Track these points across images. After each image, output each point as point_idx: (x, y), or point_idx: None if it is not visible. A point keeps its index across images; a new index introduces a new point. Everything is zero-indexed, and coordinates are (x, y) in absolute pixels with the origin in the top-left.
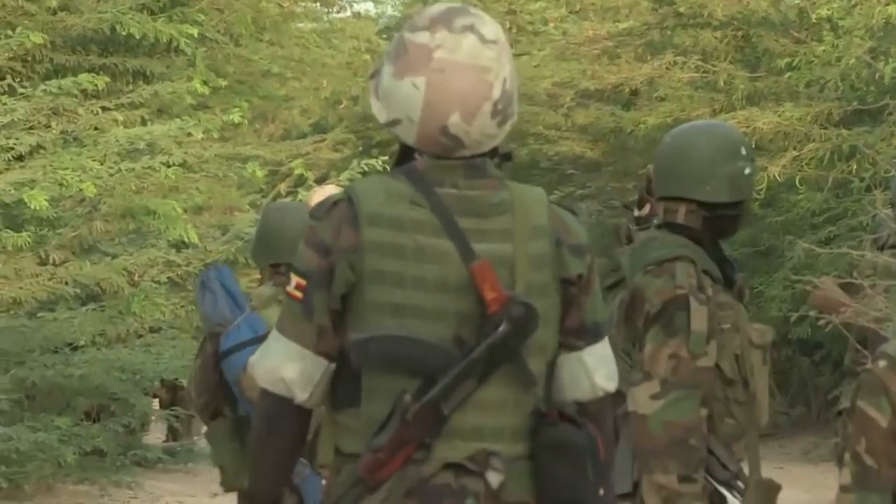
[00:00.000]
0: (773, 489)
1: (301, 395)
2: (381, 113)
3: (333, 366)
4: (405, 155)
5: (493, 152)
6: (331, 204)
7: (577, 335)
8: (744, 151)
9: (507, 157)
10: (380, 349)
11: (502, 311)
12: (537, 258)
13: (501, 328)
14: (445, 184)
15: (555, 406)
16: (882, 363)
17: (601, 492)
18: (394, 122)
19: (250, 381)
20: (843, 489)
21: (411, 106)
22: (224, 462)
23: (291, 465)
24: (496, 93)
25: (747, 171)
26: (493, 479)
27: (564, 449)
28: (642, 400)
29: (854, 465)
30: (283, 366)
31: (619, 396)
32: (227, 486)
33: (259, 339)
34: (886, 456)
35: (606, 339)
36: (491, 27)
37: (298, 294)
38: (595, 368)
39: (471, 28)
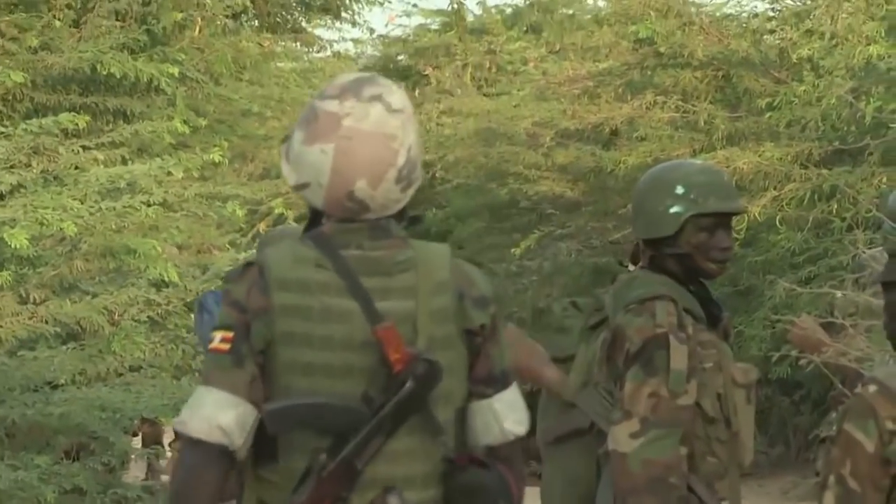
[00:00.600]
0: None
1: (238, 441)
2: (290, 176)
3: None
4: (315, 218)
5: (402, 215)
6: (243, 267)
7: (485, 384)
8: (680, 190)
9: (416, 219)
10: (295, 417)
11: (407, 370)
12: (440, 312)
13: (407, 386)
14: (350, 246)
15: (467, 451)
16: (872, 388)
17: None
18: (303, 186)
19: None
20: None
21: (320, 171)
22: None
23: None
24: (401, 160)
25: (673, 209)
26: None
27: (475, 491)
28: (622, 438)
29: (837, 487)
30: (219, 414)
31: (600, 435)
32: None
33: None
34: (871, 480)
35: (515, 385)
36: (398, 96)
37: (226, 346)
38: (504, 414)
39: (378, 97)
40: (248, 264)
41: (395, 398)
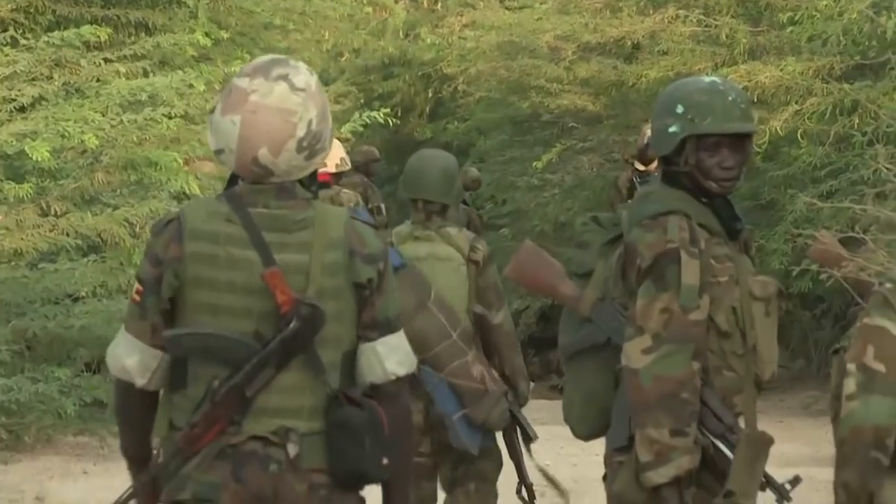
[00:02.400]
0: (764, 442)
1: (140, 381)
2: (211, 142)
3: (167, 356)
4: (232, 179)
5: (313, 179)
6: (165, 222)
7: (370, 328)
8: (680, 109)
9: (323, 185)
10: (189, 343)
11: (292, 311)
12: (331, 266)
13: (292, 325)
14: (258, 204)
15: (355, 389)
16: (888, 285)
17: (384, 461)
18: (219, 152)
19: None
20: (848, 398)
21: (230, 138)
22: None
23: (147, 429)
24: (300, 132)
25: (672, 128)
26: (292, 450)
27: (345, 426)
28: (634, 355)
29: (859, 374)
30: (125, 357)
31: (616, 350)
32: None
33: (395, 269)
34: None
35: (401, 331)
36: (303, 77)
37: (137, 298)
38: (386, 356)
39: (284, 77)
40: (169, 220)
41: (280, 335)
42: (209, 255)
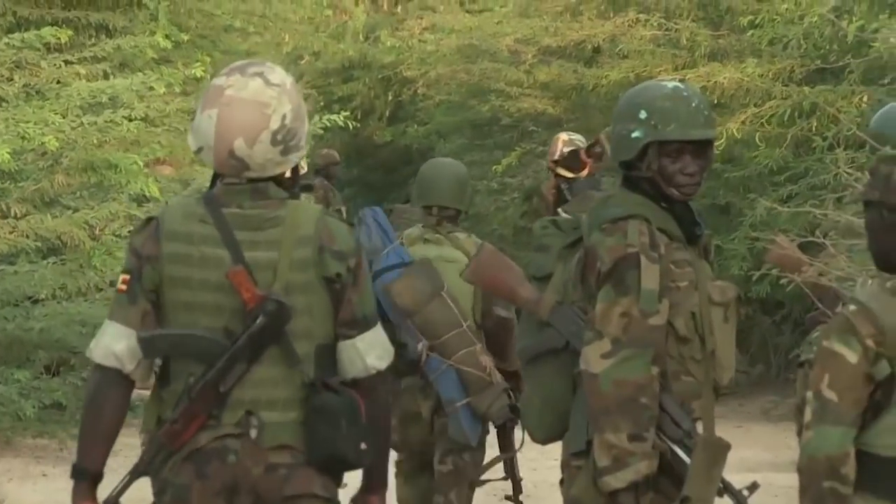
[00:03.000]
0: (721, 447)
1: (129, 367)
2: (191, 142)
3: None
4: (214, 180)
5: (294, 181)
6: (145, 221)
7: (349, 326)
8: (643, 115)
9: (307, 187)
10: (160, 344)
11: (257, 307)
12: (300, 262)
13: (259, 320)
14: (232, 205)
15: (333, 378)
16: (852, 307)
17: (362, 446)
18: (199, 150)
19: (398, 287)
20: (805, 427)
21: (207, 134)
22: None
23: (113, 431)
24: (274, 125)
25: (634, 134)
26: (253, 434)
27: (322, 411)
28: (593, 359)
29: (815, 401)
30: (114, 343)
31: (575, 354)
32: None
33: (404, 265)
34: (850, 391)
35: (378, 326)
36: (278, 74)
37: (124, 287)
38: (366, 352)
39: (259, 74)
40: (149, 219)
41: (248, 330)
42: (184, 255)
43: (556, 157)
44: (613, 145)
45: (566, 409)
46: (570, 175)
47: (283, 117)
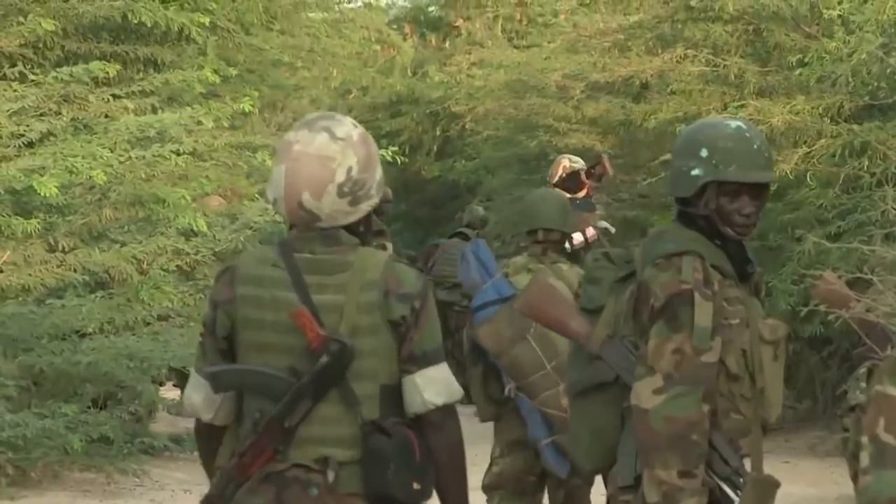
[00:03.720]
0: (771, 485)
1: (206, 415)
2: (268, 195)
3: (231, 392)
4: (290, 227)
5: (368, 227)
6: (224, 269)
7: (409, 362)
8: (704, 153)
9: (380, 233)
10: (226, 379)
11: (322, 347)
12: (366, 305)
13: (321, 360)
14: (304, 250)
15: (396, 419)
16: None
17: (415, 486)
18: (274, 202)
19: (483, 332)
20: (863, 472)
21: (279, 186)
22: (477, 398)
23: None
24: (340, 178)
25: (694, 171)
26: (330, 476)
27: (373, 454)
28: (644, 394)
29: (872, 446)
30: (192, 394)
31: (625, 388)
32: (482, 418)
33: (502, 300)
34: None
35: (443, 364)
36: (344, 128)
37: (200, 338)
38: (424, 387)
39: (326, 128)
40: (227, 266)
41: (313, 369)
42: (256, 297)
43: (555, 179)
44: (672, 181)
45: (614, 443)
46: (568, 196)
47: (349, 170)
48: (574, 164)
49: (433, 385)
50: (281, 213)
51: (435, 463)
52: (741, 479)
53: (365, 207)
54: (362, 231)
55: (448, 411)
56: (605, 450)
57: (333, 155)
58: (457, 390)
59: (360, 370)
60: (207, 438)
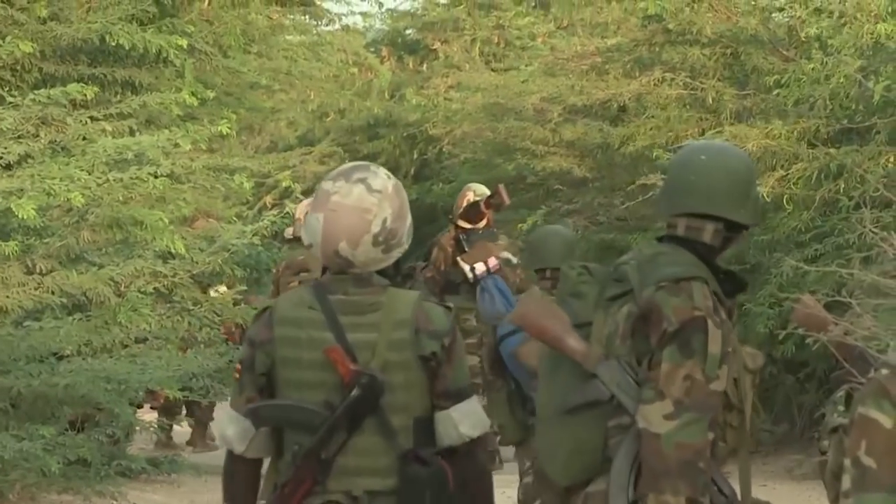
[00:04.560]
0: None
1: (239, 448)
2: (304, 237)
3: (265, 427)
4: (325, 269)
5: (397, 269)
6: (261, 310)
7: (444, 398)
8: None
9: (408, 276)
10: (265, 413)
11: (353, 381)
12: (397, 342)
13: (353, 393)
14: (338, 292)
15: (429, 449)
16: (884, 371)
17: None
18: (310, 245)
19: (524, 351)
20: (844, 495)
21: (316, 233)
22: (502, 421)
23: (245, 495)
24: (375, 228)
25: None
26: None
27: (410, 482)
28: (655, 419)
29: (853, 469)
30: (227, 427)
31: (618, 408)
32: (504, 441)
33: (512, 333)
34: (888, 456)
35: (473, 398)
36: (380, 180)
37: (237, 376)
38: (460, 421)
39: (363, 180)
40: (265, 308)
41: (345, 402)
42: (293, 338)
43: (459, 210)
44: (751, 209)
45: (593, 462)
46: (468, 226)
47: (384, 221)
48: (477, 196)
49: (468, 419)
50: (316, 256)
51: (467, 491)
52: None
53: (396, 254)
54: (392, 273)
55: (478, 441)
56: (583, 466)
57: (370, 207)
58: (486, 421)
59: (394, 403)
60: (236, 471)
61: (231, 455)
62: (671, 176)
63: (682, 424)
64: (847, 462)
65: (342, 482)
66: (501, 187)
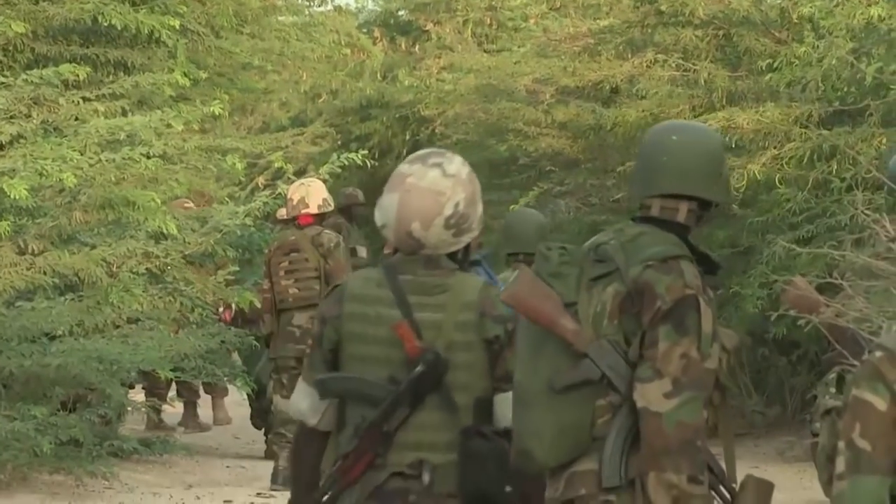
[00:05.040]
0: (768, 487)
1: (312, 421)
2: (378, 218)
3: (334, 401)
4: (395, 251)
5: (466, 256)
6: (333, 287)
7: (504, 381)
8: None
9: (475, 262)
10: (332, 386)
11: (418, 358)
12: (462, 324)
13: (417, 369)
14: (407, 272)
15: (488, 426)
16: (878, 353)
17: (507, 489)
18: (384, 226)
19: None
20: (838, 477)
21: (389, 214)
22: None
23: (314, 466)
24: (448, 211)
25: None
26: (425, 478)
27: (473, 455)
28: (655, 398)
29: (847, 451)
30: (301, 401)
31: (609, 387)
32: None
33: None
34: (883, 439)
35: None
36: (455, 166)
37: (308, 351)
38: None
39: (438, 165)
40: (337, 285)
41: (409, 377)
42: (361, 314)
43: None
44: (723, 187)
45: (580, 441)
46: None
47: (457, 205)
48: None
49: None
50: (388, 237)
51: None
52: (721, 486)
53: (466, 239)
54: (460, 258)
55: None
56: (570, 446)
57: (444, 190)
58: None
59: (456, 382)
60: (308, 443)
61: (303, 428)
62: (643, 157)
63: (682, 403)
64: (841, 445)
65: (403, 456)
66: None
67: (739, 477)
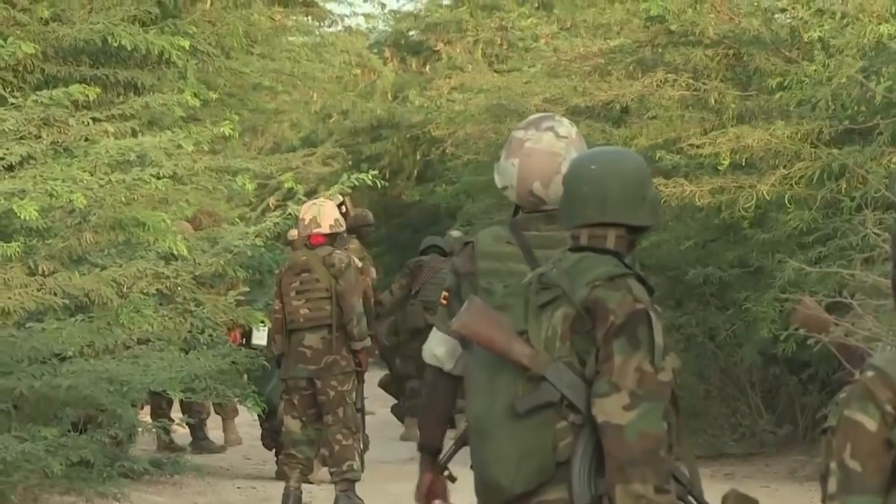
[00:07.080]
0: (751, 502)
1: (448, 365)
2: (498, 181)
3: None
4: (516, 210)
5: None
6: (463, 244)
7: None
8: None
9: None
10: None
11: None
12: None
13: None
14: (531, 228)
15: None
16: (869, 373)
17: None
18: (505, 188)
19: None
20: (829, 498)
21: (511, 177)
22: None
23: (446, 419)
24: (564, 169)
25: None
26: None
27: None
28: (614, 411)
29: (838, 471)
30: (436, 348)
31: (569, 409)
32: None
33: None
34: (873, 459)
35: None
36: (565, 128)
37: (444, 301)
38: None
39: (551, 128)
40: (466, 243)
41: None
42: (494, 270)
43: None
44: (648, 211)
45: (544, 463)
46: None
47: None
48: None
49: None
50: (510, 197)
51: None
52: (690, 497)
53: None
54: None
55: None
56: (535, 470)
57: (559, 151)
58: None
59: None
60: (442, 384)
61: (437, 373)
62: (566, 189)
63: (642, 414)
64: (833, 465)
65: None
66: (348, 200)
67: (751, 493)
